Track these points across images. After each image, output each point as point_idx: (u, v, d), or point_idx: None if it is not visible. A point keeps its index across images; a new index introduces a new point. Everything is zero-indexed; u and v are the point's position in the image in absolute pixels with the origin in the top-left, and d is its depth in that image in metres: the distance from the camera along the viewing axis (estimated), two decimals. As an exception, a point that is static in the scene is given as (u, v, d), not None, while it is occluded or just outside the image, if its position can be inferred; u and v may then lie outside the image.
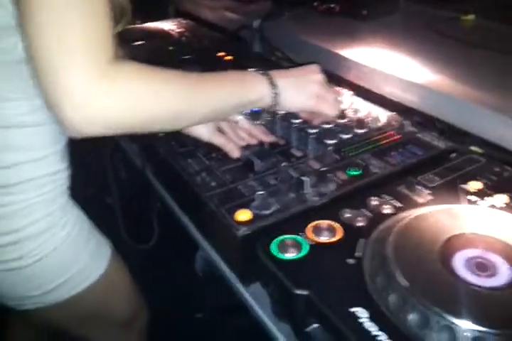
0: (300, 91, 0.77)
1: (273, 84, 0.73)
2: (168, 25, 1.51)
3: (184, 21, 1.57)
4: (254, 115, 0.91)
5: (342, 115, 0.92)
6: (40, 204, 0.71)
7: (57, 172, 0.73)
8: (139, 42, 1.32)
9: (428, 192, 0.69)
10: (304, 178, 0.72)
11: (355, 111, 0.95)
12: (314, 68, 0.81)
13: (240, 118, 0.86)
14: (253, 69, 0.84)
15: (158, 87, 0.60)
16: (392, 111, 0.95)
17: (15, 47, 0.60)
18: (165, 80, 0.62)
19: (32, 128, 0.68)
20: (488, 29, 1.29)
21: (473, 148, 0.82)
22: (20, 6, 0.52)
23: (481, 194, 0.68)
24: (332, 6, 1.37)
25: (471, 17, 1.37)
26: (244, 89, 0.72)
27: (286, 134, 0.88)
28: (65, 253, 0.76)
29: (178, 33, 1.44)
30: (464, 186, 0.70)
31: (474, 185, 0.70)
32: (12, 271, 0.72)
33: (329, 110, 0.81)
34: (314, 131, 0.87)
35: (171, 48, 1.29)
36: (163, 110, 0.62)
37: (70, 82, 0.52)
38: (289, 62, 1.23)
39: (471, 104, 0.87)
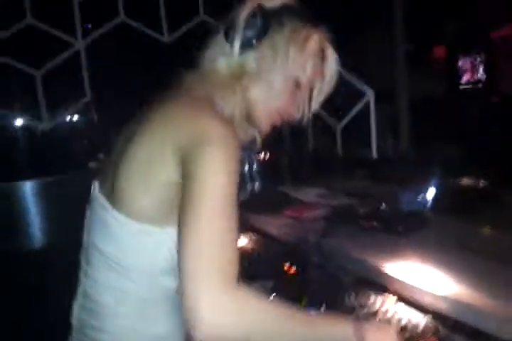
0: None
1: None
2: (243, 241, 1.89)
3: (254, 236, 1.95)
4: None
5: (389, 321, 1.16)
6: None
7: None
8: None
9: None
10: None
11: (399, 317, 1.19)
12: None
13: None
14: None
15: (262, 319, 0.81)
16: (428, 314, 1.19)
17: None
18: (270, 314, 0.82)
19: None
20: (508, 242, 1.57)
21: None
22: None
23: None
24: (374, 224, 1.71)
25: (488, 230, 1.67)
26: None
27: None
28: None
29: (251, 248, 1.80)
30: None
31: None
32: None
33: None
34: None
35: (245, 264, 1.63)
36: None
37: (198, 293, 0.75)
38: (344, 272, 1.51)
39: (492, 311, 1.11)
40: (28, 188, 2.64)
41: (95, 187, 1.01)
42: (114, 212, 0.91)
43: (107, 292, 0.94)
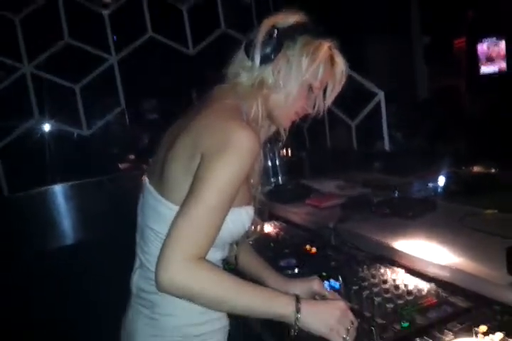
0: (318, 321, 1.07)
1: (298, 311, 1.04)
2: (267, 227, 2.09)
3: (278, 223, 2.16)
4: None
5: (397, 287, 1.36)
6: None
7: None
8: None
9: (452, 334, 1.09)
10: (372, 328, 1.15)
11: (406, 285, 1.38)
12: (340, 305, 1.12)
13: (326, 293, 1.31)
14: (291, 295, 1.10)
15: (215, 284, 1.03)
16: (431, 282, 1.38)
17: None
18: (221, 281, 1.04)
19: None
20: (507, 221, 1.74)
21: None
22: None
23: (486, 333, 1.07)
24: (386, 210, 1.91)
25: (491, 211, 1.84)
26: (272, 307, 1.05)
27: (359, 300, 1.33)
28: None
29: (276, 232, 2.01)
30: (476, 329, 1.09)
31: (483, 328, 1.09)
32: None
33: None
34: (379, 298, 1.31)
35: (272, 245, 1.85)
36: (212, 297, 1.03)
37: (168, 258, 0.99)
38: (358, 250, 1.71)
39: (486, 278, 1.30)
40: (59, 192, 2.89)
41: (145, 180, 1.23)
42: (163, 199, 1.13)
43: None
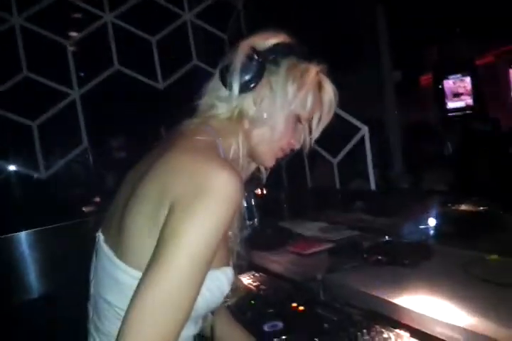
0: None
1: None
2: (246, 280, 1.86)
3: (257, 274, 1.92)
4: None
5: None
6: None
7: None
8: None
9: None
10: None
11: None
12: None
13: None
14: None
15: None
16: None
17: None
18: None
19: None
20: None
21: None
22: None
23: None
24: (379, 257, 1.70)
25: (495, 257, 1.66)
26: None
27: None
28: None
29: (256, 286, 1.77)
30: None
31: None
32: None
33: None
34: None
35: (253, 302, 1.61)
36: None
37: None
38: (351, 308, 1.49)
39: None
40: (23, 239, 2.61)
41: (100, 237, 0.99)
42: (122, 264, 0.90)
43: None
